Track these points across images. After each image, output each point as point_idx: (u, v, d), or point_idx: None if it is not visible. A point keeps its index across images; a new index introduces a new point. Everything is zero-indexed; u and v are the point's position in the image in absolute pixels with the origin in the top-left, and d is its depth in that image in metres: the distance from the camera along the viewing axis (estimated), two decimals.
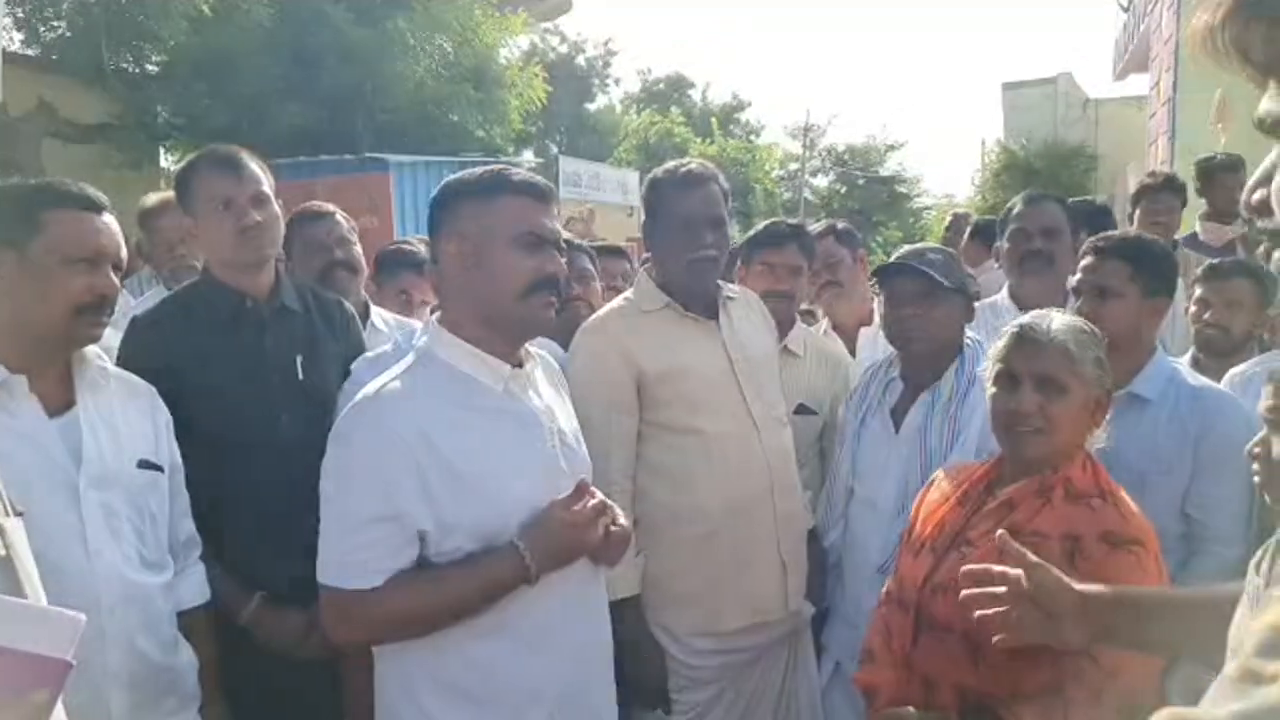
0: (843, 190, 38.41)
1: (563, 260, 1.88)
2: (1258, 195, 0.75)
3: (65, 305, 1.89)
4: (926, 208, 37.66)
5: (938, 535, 1.95)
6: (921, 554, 1.96)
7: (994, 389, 1.92)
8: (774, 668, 2.70)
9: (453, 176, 1.91)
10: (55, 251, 1.89)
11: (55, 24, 11.70)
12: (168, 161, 12.99)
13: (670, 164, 2.69)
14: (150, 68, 12.36)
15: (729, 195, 2.65)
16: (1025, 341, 1.88)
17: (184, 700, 2.04)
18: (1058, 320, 1.92)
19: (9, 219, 1.89)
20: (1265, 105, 0.72)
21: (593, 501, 1.86)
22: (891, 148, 38.51)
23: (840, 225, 3.91)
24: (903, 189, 38.06)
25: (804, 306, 3.62)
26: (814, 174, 39.71)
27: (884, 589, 2.12)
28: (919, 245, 2.99)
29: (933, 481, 2.12)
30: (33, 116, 10.74)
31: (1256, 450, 1.74)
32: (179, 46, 11.50)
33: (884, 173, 38.10)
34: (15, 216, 1.89)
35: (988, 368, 1.98)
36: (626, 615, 2.45)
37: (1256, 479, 1.82)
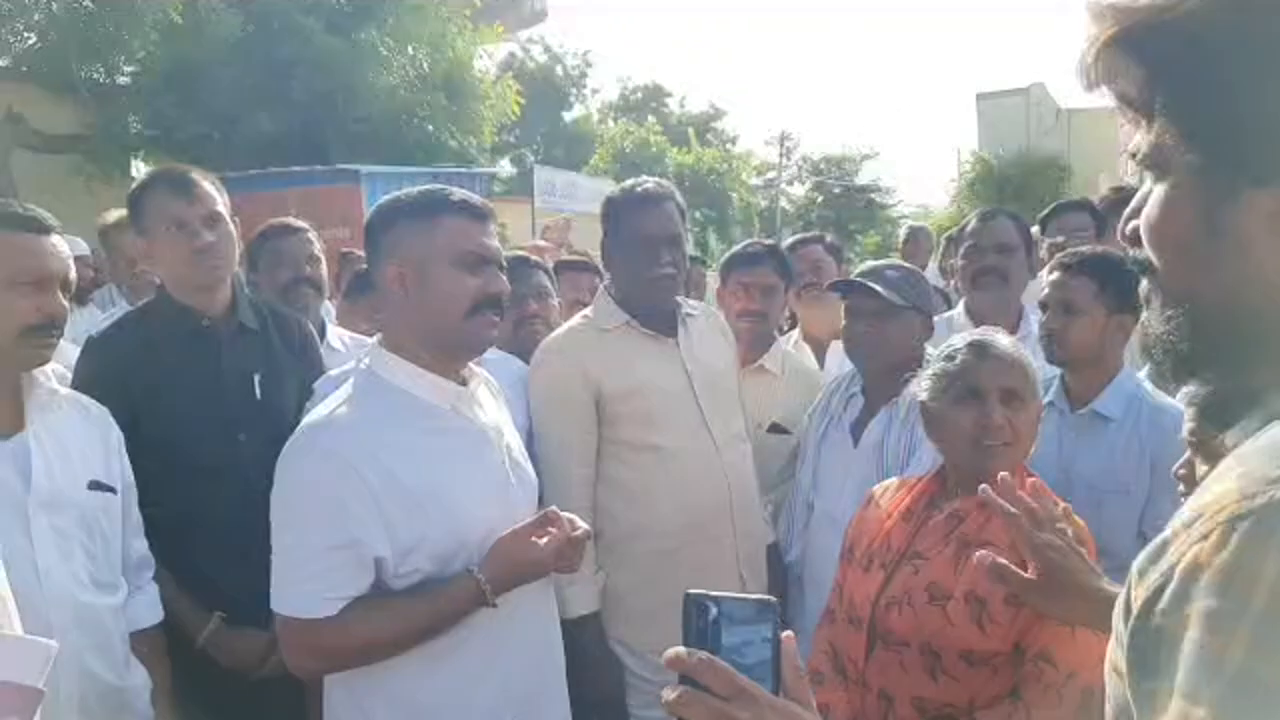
0: (819, 199, 38.56)
1: (504, 278, 1.89)
2: (1130, 226, 0.75)
3: (12, 327, 1.89)
4: (903, 217, 37.84)
5: (885, 550, 1.96)
6: (871, 569, 1.96)
7: (953, 405, 1.92)
8: None
9: (388, 197, 1.91)
10: (1, 274, 1.88)
11: (25, 35, 11.58)
12: (139, 172, 12.86)
13: (627, 182, 2.71)
14: (121, 78, 12.23)
15: (685, 213, 2.67)
16: (990, 357, 1.90)
17: None
18: (1005, 338, 1.97)
19: None
20: (1137, 140, 0.71)
21: (547, 538, 1.84)
22: (867, 157, 38.76)
23: (829, 238, 4.12)
24: (878, 198, 38.26)
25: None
26: (790, 183, 39.88)
27: (824, 609, 2.13)
28: (880, 262, 3.01)
29: (870, 498, 2.13)
30: (2, 127, 10.61)
31: (1182, 472, 1.76)
32: (150, 57, 11.38)
33: (860, 182, 38.28)
34: None
35: (935, 384, 1.97)
36: (586, 631, 2.46)
37: (1184, 500, 1.83)
